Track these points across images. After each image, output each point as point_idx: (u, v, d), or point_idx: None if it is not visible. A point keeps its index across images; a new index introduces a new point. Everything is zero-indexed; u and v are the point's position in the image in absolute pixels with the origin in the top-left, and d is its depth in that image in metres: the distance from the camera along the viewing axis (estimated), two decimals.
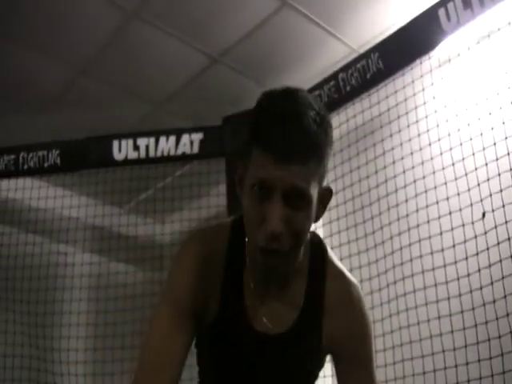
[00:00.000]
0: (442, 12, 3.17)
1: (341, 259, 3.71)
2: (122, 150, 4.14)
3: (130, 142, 4.12)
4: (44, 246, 4.60)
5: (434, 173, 3.45)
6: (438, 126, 3.54)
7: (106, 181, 4.43)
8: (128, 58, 4.40)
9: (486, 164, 3.20)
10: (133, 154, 4.11)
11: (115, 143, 4.17)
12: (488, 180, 3.16)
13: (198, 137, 4.06)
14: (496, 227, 3.07)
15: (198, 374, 1.92)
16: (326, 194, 1.67)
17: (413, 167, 3.59)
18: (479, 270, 3.12)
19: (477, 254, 3.14)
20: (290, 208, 1.53)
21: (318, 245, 1.82)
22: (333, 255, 1.83)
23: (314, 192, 1.56)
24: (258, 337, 1.73)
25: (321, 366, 1.83)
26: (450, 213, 3.30)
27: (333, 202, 3.78)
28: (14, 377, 4.31)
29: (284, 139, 1.50)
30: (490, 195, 3.13)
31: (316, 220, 1.64)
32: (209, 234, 1.83)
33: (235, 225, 1.80)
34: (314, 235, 1.84)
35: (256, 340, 1.74)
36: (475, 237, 3.16)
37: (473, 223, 3.20)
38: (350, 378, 1.75)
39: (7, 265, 4.52)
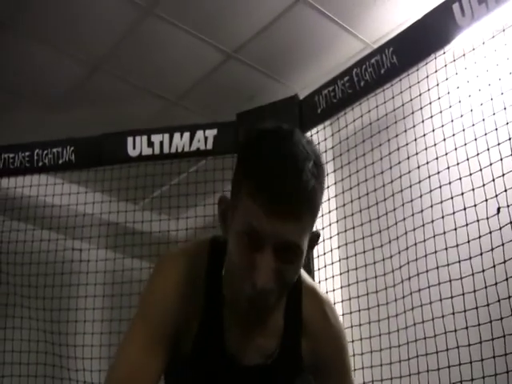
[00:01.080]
0: (456, 7, 3.16)
1: (355, 255, 3.78)
2: (137, 146, 4.15)
3: (145, 138, 4.12)
4: (59, 243, 4.61)
5: (448, 168, 3.43)
6: (452, 121, 3.52)
7: (120, 177, 4.43)
8: (142, 54, 4.42)
9: (501, 159, 3.17)
10: (147, 151, 4.11)
11: (129, 140, 4.17)
12: (503, 175, 3.13)
13: (212, 133, 4.05)
14: (511, 222, 3.05)
15: None
16: (314, 239, 1.61)
17: (427, 163, 3.57)
18: (494, 266, 3.10)
19: (492, 249, 3.11)
20: (281, 261, 1.48)
21: None
22: (304, 273, 1.78)
23: (305, 244, 1.52)
24: (241, 370, 1.70)
25: None
26: (465, 208, 3.28)
27: (347, 197, 3.87)
28: (29, 372, 4.33)
29: (282, 194, 1.42)
30: (505, 190, 3.12)
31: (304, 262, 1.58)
32: (185, 256, 1.73)
33: (214, 248, 1.73)
34: None
35: (239, 373, 1.70)
36: (490, 232, 3.13)
37: (488, 218, 3.17)
38: None
39: (22, 261, 4.54)
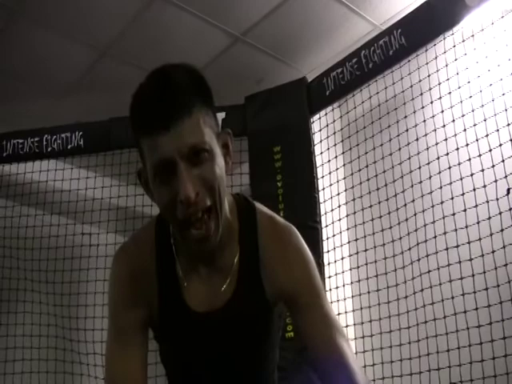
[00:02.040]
0: None
1: (364, 237, 3.78)
2: None
3: None
4: (68, 228, 4.63)
5: (457, 149, 3.41)
6: (461, 102, 3.50)
7: (129, 161, 4.43)
8: (150, 39, 4.41)
9: (511, 140, 3.16)
10: None
11: None
12: None
13: (220, 116, 4.04)
14: None
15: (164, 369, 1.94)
16: (225, 136, 1.65)
17: (436, 144, 3.56)
18: (504, 247, 3.10)
19: (501, 230, 3.11)
20: (196, 167, 1.50)
21: (245, 204, 1.79)
22: (262, 207, 1.80)
23: (211, 139, 1.54)
24: (202, 317, 1.72)
25: (275, 320, 1.80)
26: (474, 189, 3.27)
27: (356, 179, 3.86)
28: (40, 356, 4.37)
29: (151, 108, 1.48)
30: None
31: (227, 166, 1.62)
32: (132, 244, 1.81)
33: (159, 221, 1.78)
34: (240, 197, 1.81)
35: (201, 321, 1.72)
36: (500, 213, 3.13)
37: (497, 199, 3.16)
38: (304, 320, 1.70)
39: (32, 246, 4.56)
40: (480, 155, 3.28)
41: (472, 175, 3.30)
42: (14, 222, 4.65)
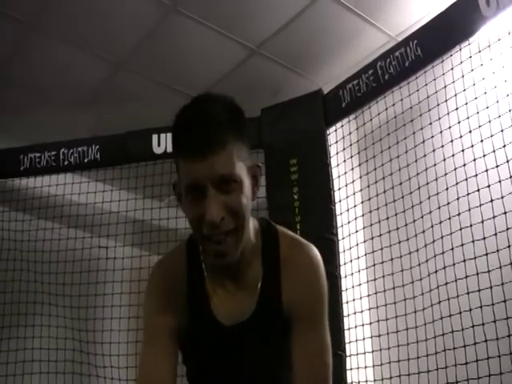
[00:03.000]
0: None
1: (381, 249, 3.75)
2: (162, 143, 4.17)
3: (170, 135, 4.12)
4: (85, 241, 4.64)
5: (474, 160, 3.39)
6: (478, 112, 3.48)
7: (145, 175, 4.45)
8: (166, 52, 4.43)
9: None
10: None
11: (154, 137, 4.20)
12: None
13: None
14: None
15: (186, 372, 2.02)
16: (255, 169, 1.76)
17: (453, 155, 3.54)
18: None
19: None
20: (224, 194, 1.64)
21: (268, 228, 1.91)
22: (284, 230, 1.92)
23: (241, 171, 1.67)
24: (227, 329, 1.83)
25: (288, 333, 1.85)
26: (492, 200, 3.24)
27: (372, 191, 3.84)
28: (58, 369, 4.37)
29: (192, 138, 1.62)
30: None
31: (253, 196, 1.75)
32: (166, 260, 1.98)
33: (190, 240, 1.93)
34: (263, 221, 1.93)
35: (226, 332, 1.83)
36: None
37: None
38: (300, 338, 1.80)
39: (50, 259, 4.57)
40: (497, 166, 3.26)
41: (489, 186, 3.27)
42: (32, 235, 4.66)
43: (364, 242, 4.01)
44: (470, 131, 3.48)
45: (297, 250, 1.86)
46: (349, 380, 3.64)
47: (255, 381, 1.89)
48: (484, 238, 3.25)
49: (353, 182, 4.03)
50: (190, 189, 1.64)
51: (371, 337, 3.82)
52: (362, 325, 3.81)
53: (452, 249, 3.42)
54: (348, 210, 3.98)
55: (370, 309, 3.82)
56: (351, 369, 3.70)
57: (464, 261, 3.34)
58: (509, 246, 3.13)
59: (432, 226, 3.55)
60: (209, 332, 1.86)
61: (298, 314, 1.81)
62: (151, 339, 1.87)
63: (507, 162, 3.22)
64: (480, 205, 3.31)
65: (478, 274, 3.24)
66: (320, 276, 1.85)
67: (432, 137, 3.67)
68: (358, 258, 3.91)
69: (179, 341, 1.89)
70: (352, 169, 4.04)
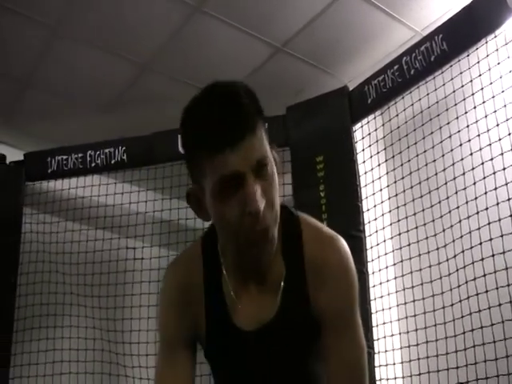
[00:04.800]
0: None
1: (409, 245, 3.72)
2: None
3: None
4: (113, 242, 4.66)
5: (502, 154, 3.35)
6: (505, 105, 3.45)
7: (172, 175, 4.45)
8: (191, 52, 4.45)
9: None
10: None
11: (180, 137, 4.19)
12: None
13: None
14: None
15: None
16: (274, 153, 1.67)
17: (480, 149, 3.49)
18: None
19: None
20: (261, 179, 1.55)
21: (289, 216, 1.77)
22: (307, 218, 1.80)
23: (270, 154, 1.60)
24: (249, 336, 1.72)
25: (317, 333, 1.72)
26: None
27: (399, 187, 3.82)
28: (86, 370, 4.39)
29: (220, 127, 1.50)
30: None
31: (278, 177, 1.65)
32: (180, 261, 1.88)
33: (205, 239, 1.83)
34: (285, 210, 1.78)
35: (248, 339, 1.72)
36: None
37: None
38: (335, 344, 1.68)
39: (78, 261, 4.60)
40: None
41: None
42: (60, 237, 4.70)
43: (391, 238, 3.98)
44: (497, 125, 3.44)
45: (323, 244, 1.71)
46: (377, 377, 3.63)
47: None
48: None
49: (379, 178, 4.00)
50: (223, 184, 1.52)
51: (399, 333, 3.79)
52: (390, 321, 3.79)
53: (480, 243, 3.37)
54: (375, 206, 3.96)
55: (398, 305, 3.79)
56: (380, 366, 3.68)
57: (493, 255, 3.29)
58: None
59: (460, 221, 3.51)
60: (228, 340, 1.75)
61: (328, 314, 1.68)
62: (166, 351, 1.81)
63: None
64: (508, 199, 3.26)
65: (507, 268, 3.20)
66: (350, 271, 1.72)
67: (459, 131, 3.63)
68: (386, 254, 3.88)
69: (196, 350, 1.83)
70: (378, 165, 4.01)
